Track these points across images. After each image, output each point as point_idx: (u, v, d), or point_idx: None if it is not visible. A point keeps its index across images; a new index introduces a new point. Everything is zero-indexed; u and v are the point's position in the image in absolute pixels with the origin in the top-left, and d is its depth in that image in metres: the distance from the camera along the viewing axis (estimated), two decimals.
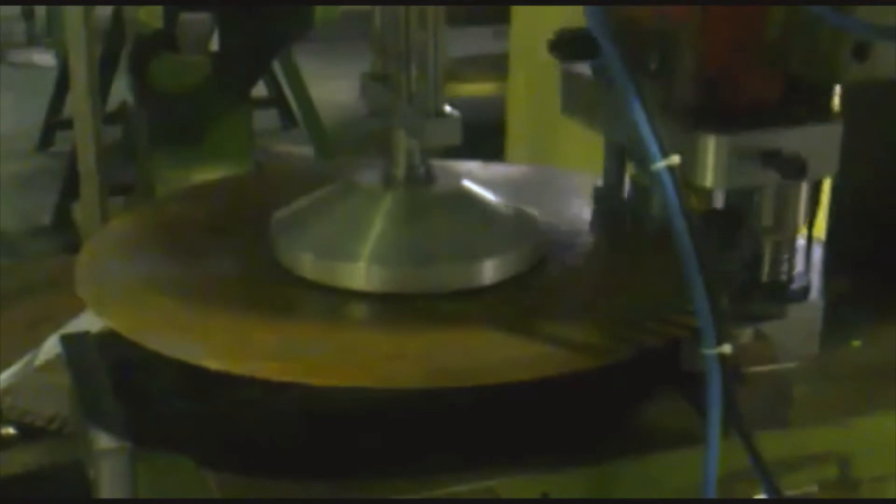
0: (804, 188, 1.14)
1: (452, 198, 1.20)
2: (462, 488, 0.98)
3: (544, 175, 1.54)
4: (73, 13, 2.65)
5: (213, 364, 1.00)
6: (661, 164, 0.95)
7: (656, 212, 1.21)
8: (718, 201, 1.23)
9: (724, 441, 0.95)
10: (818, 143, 1.08)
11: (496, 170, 1.48)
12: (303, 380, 0.98)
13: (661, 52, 1.11)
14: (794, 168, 1.05)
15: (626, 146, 1.23)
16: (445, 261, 1.14)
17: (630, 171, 1.27)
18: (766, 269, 1.16)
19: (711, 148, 1.05)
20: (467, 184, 1.22)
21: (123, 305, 1.12)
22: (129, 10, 3.21)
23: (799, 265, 1.19)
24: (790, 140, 1.07)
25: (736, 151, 1.06)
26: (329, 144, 4.18)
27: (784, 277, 1.16)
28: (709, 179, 1.06)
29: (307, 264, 1.15)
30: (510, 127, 3.15)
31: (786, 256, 1.16)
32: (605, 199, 1.31)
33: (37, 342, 1.28)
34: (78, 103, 2.73)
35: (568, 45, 1.12)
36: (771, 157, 1.06)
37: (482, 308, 1.12)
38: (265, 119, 4.55)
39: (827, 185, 1.25)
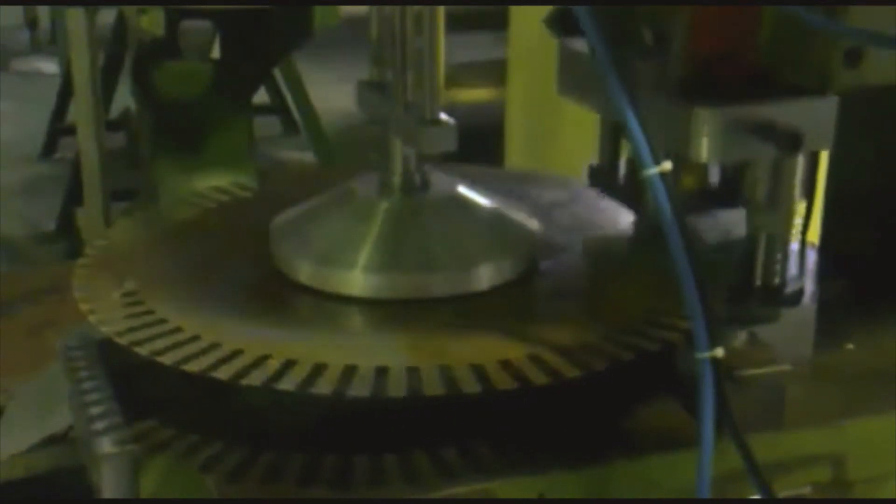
0: (798, 168, 1.14)
1: (448, 204, 1.21)
2: (460, 489, 0.99)
3: (540, 179, 1.55)
4: (76, 21, 2.66)
5: (201, 370, 1.01)
6: (652, 171, 0.95)
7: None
8: (713, 176, 1.22)
9: (718, 443, 0.96)
10: (813, 116, 1.08)
11: (493, 174, 1.49)
12: (297, 389, 0.99)
13: (655, 28, 1.11)
14: (789, 140, 1.05)
15: (622, 125, 1.23)
16: (441, 267, 1.15)
17: (626, 150, 1.27)
18: (759, 271, 1.16)
19: (706, 121, 1.05)
20: (463, 190, 1.23)
21: (120, 312, 1.13)
22: (131, 18, 3.21)
23: (792, 269, 1.19)
24: (785, 113, 1.06)
25: (730, 125, 1.05)
26: (330, 150, 4.19)
27: (777, 281, 1.17)
28: (704, 153, 1.06)
29: (305, 271, 1.17)
30: (509, 132, 3.16)
31: (779, 258, 1.16)
32: (600, 178, 1.31)
33: (40, 348, 1.28)
34: (81, 110, 2.74)
35: (564, 20, 1.12)
36: (766, 130, 1.05)
37: (477, 313, 1.13)
38: (267, 125, 4.55)
39: (821, 185, 1.26)
